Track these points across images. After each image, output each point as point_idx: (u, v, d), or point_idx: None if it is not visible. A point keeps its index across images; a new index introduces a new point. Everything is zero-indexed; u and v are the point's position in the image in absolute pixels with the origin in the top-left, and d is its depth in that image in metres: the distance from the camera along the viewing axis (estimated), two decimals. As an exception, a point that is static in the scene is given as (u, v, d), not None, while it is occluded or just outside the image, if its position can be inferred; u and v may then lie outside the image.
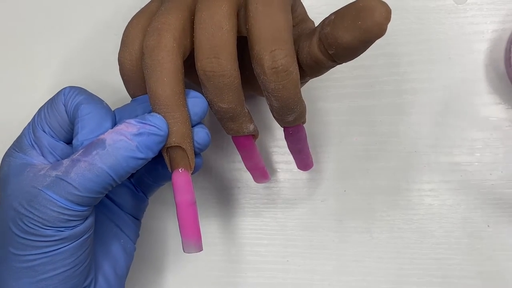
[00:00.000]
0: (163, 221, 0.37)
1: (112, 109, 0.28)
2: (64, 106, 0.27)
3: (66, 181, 0.24)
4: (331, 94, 0.36)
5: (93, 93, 0.28)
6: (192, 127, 0.26)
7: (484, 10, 0.35)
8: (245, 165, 0.31)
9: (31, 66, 0.38)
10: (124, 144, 0.24)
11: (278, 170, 0.36)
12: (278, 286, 0.36)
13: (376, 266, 0.35)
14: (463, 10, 0.35)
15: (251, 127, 0.28)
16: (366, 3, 0.23)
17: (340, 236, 0.35)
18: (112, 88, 0.36)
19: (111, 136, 0.24)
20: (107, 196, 0.30)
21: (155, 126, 0.25)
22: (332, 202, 0.36)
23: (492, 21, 0.35)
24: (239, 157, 0.36)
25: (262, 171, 0.31)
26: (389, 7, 0.23)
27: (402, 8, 0.36)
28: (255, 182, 0.36)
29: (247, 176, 0.36)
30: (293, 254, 0.36)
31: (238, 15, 0.26)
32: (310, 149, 0.31)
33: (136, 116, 0.26)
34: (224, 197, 0.37)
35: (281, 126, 0.29)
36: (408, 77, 0.35)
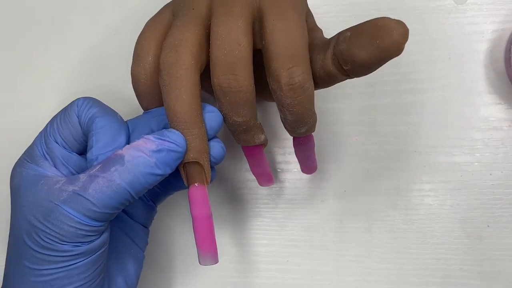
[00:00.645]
0: (164, 223, 0.37)
1: (124, 119, 0.28)
2: (78, 117, 0.27)
3: (84, 197, 0.24)
4: (331, 94, 0.36)
5: (103, 101, 0.28)
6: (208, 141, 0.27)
7: (484, 10, 0.35)
8: (252, 171, 0.31)
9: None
10: (143, 160, 0.24)
11: (278, 170, 0.36)
12: (278, 286, 0.36)
13: (376, 266, 0.35)
14: (463, 10, 0.35)
15: (262, 137, 0.29)
16: (384, 23, 0.23)
17: (340, 236, 0.35)
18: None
19: (129, 152, 0.24)
20: None
21: (174, 143, 0.25)
22: (332, 202, 0.36)
23: (492, 21, 0.35)
24: (238, 157, 0.36)
25: (268, 176, 0.32)
26: (406, 27, 0.23)
27: (402, 8, 0.36)
28: (254, 183, 0.36)
29: (247, 176, 0.36)
30: (293, 254, 0.36)
31: (253, 28, 0.26)
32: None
33: (150, 129, 0.26)
34: (224, 197, 0.37)
35: (291, 136, 0.29)
36: (408, 77, 0.35)
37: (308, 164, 0.32)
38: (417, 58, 0.35)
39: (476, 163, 0.35)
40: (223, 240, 0.36)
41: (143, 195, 0.31)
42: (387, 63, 0.35)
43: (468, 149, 0.35)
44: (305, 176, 0.36)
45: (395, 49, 0.23)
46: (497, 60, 0.35)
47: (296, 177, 0.36)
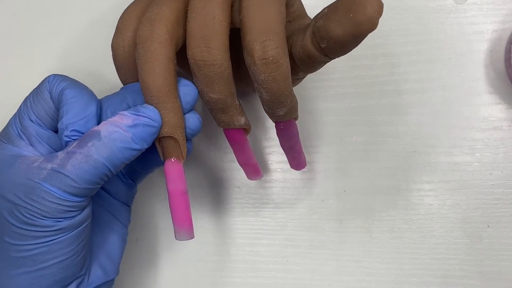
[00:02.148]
0: (165, 220, 0.37)
1: (103, 97, 0.28)
2: (49, 93, 0.27)
3: (63, 174, 0.24)
4: (331, 94, 0.36)
5: (88, 86, 0.28)
6: (183, 114, 0.27)
7: (484, 10, 0.35)
8: (237, 160, 0.31)
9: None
10: (119, 135, 0.25)
11: (278, 170, 0.36)
12: (278, 286, 0.36)
13: (376, 266, 0.35)
14: (463, 10, 0.35)
15: (242, 120, 0.28)
16: None
17: (340, 236, 0.35)
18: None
19: (106, 128, 0.25)
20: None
21: (149, 118, 0.25)
22: (332, 202, 0.36)
23: (492, 21, 0.35)
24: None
25: (254, 168, 0.31)
26: (381, 1, 0.23)
27: (401, 8, 0.36)
28: (254, 183, 0.36)
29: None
30: (293, 254, 0.36)
31: (232, 6, 0.26)
32: (303, 148, 0.31)
33: (126, 105, 0.27)
34: (224, 197, 0.37)
35: (273, 121, 0.29)
36: (408, 77, 0.35)
37: (293, 156, 0.31)
38: (417, 58, 0.35)
39: (476, 163, 0.35)
40: (223, 240, 0.36)
41: (122, 173, 0.31)
42: (386, 63, 0.35)
43: (468, 149, 0.35)
44: (305, 176, 0.36)
45: (369, 24, 0.23)
46: (497, 60, 0.35)
47: (296, 177, 0.36)
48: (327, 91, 0.36)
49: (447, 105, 0.35)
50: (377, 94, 0.36)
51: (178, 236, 0.27)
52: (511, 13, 0.35)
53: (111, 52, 0.28)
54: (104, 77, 0.37)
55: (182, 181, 0.27)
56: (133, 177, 0.31)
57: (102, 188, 0.30)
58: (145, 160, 0.30)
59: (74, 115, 0.26)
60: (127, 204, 0.32)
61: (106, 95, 0.28)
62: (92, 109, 0.26)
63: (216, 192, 0.37)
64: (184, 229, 0.27)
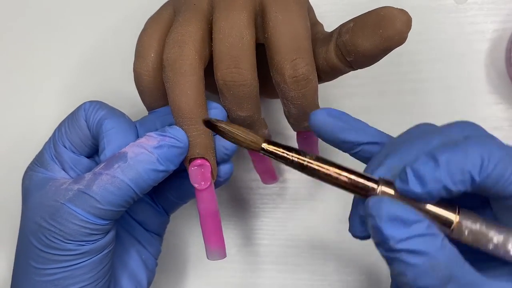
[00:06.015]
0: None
1: (137, 120, 0.28)
2: (86, 121, 0.27)
3: (88, 194, 0.24)
4: (331, 94, 0.36)
5: (105, 101, 0.28)
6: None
7: (484, 9, 0.35)
8: (256, 169, 0.31)
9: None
10: (145, 157, 0.24)
11: (278, 170, 0.36)
12: (278, 286, 0.36)
13: (377, 265, 0.35)
14: (464, 9, 0.35)
15: (266, 133, 0.29)
16: (387, 12, 0.23)
17: (340, 236, 0.35)
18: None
19: (132, 150, 0.25)
20: (128, 213, 0.30)
21: (175, 138, 0.25)
22: (332, 202, 0.36)
23: (492, 20, 0.35)
24: (237, 157, 0.36)
25: (271, 173, 0.32)
26: (409, 16, 0.23)
27: (402, 7, 0.35)
28: (255, 183, 0.36)
29: (247, 176, 0.36)
30: (293, 254, 0.36)
31: (255, 22, 0.26)
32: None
33: (155, 129, 0.26)
34: (224, 198, 0.37)
35: (295, 131, 0.29)
36: (408, 77, 0.35)
37: None
38: (417, 58, 0.35)
39: (476, 163, 0.35)
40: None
41: (154, 202, 0.30)
42: (387, 63, 0.35)
43: (469, 149, 0.35)
44: (305, 176, 0.36)
45: (399, 38, 0.23)
46: (497, 60, 0.35)
47: (296, 177, 0.36)
48: (328, 91, 0.36)
49: (447, 105, 0.35)
50: (377, 94, 0.36)
51: (211, 256, 0.27)
52: (511, 13, 0.35)
53: (134, 77, 0.28)
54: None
55: (214, 202, 0.27)
56: (167, 207, 0.31)
57: (132, 217, 0.30)
58: (181, 190, 0.30)
59: (117, 147, 0.26)
60: (158, 234, 0.31)
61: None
62: (132, 138, 0.26)
63: (216, 193, 0.37)
64: (216, 249, 0.26)
